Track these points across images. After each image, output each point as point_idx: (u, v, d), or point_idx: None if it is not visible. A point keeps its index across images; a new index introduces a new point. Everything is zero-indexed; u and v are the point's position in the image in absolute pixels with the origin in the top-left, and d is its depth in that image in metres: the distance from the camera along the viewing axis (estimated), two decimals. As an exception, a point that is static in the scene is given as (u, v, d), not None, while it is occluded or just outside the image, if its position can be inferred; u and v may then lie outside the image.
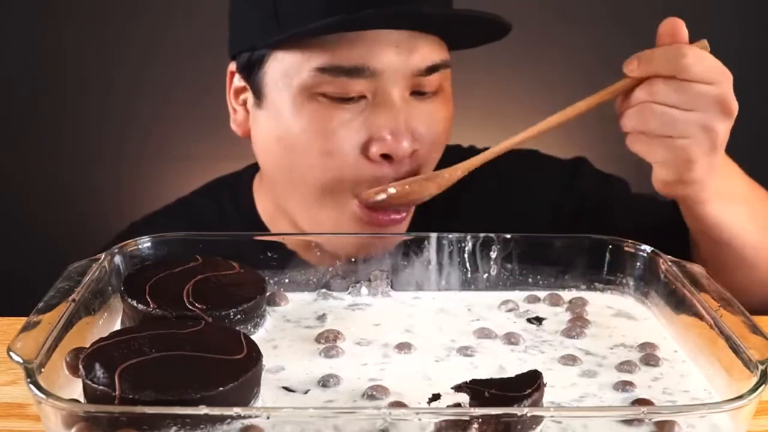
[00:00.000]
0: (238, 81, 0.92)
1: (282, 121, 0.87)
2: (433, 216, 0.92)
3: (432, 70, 0.85)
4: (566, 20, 1.74)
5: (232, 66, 0.93)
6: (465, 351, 0.63)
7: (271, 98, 0.88)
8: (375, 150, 0.83)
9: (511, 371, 0.60)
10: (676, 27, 0.78)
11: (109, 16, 1.74)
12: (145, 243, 0.71)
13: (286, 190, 0.90)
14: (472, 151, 0.98)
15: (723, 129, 0.76)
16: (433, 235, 0.74)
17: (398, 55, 0.83)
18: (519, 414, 0.47)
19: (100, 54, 1.76)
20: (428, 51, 0.85)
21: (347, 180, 0.85)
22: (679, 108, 0.75)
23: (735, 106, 0.76)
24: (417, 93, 0.86)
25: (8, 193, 1.77)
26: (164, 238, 0.72)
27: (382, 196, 0.84)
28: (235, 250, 0.72)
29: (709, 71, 0.75)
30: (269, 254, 0.73)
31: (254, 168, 1.00)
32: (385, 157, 0.84)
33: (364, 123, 0.84)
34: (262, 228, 0.97)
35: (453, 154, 0.90)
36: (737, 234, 0.84)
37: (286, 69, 0.85)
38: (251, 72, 0.89)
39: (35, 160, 1.79)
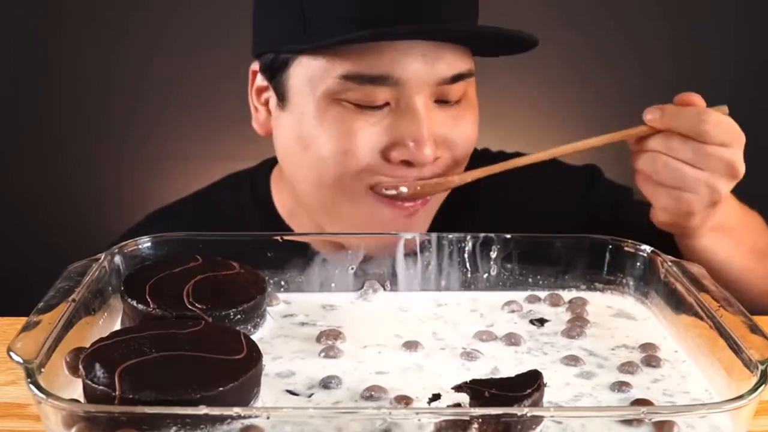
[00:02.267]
0: (260, 80, 0.93)
1: (305, 123, 0.87)
2: (450, 216, 0.93)
3: (457, 78, 0.85)
4: (565, 23, 1.74)
5: (255, 65, 0.93)
6: (465, 351, 0.63)
7: (295, 101, 0.88)
8: (396, 155, 0.84)
9: (512, 371, 0.60)
10: (693, 99, 0.83)
11: (110, 16, 1.74)
12: (145, 243, 0.71)
13: (305, 187, 0.91)
14: (500, 156, 1.01)
15: (726, 189, 0.82)
16: (433, 235, 0.74)
17: (424, 64, 0.83)
18: (519, 414, 0.47)
19: (101, 54, 1.76)
20: (453, 60, 0.85)
21: (365, 178, 0.86)
22: (690, 165, 0.81)
23: (742, 170, 0.81)
24: (441, 101, 0.86)
25: (8, 193, 1.78)
26: (164, 238, 0.72)
27: (392, 192, 0.85)
28: (235, 250, 0.72)
29: (724, 135, 0.80)
30: (269, 254, 0.73)
31: (272, 162, 1.01)
32: (406, 162, 0.85)
33: (386, 129, 0.84)
34: (279, 221, 0.98)
35: (482, 158, 0.91)
36: (725, 260, 0.89)
37: (311, 75, 0.85)
38: (275, 74, 0.89)
39: (35, 161, 1.79)
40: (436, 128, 0.85)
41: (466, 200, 0.97)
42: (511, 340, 0.65)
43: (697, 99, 0.83)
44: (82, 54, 1.75)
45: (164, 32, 1.74)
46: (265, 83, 0.92)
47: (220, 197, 1.03)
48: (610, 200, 1.03)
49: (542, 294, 0.73)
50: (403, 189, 0.85)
